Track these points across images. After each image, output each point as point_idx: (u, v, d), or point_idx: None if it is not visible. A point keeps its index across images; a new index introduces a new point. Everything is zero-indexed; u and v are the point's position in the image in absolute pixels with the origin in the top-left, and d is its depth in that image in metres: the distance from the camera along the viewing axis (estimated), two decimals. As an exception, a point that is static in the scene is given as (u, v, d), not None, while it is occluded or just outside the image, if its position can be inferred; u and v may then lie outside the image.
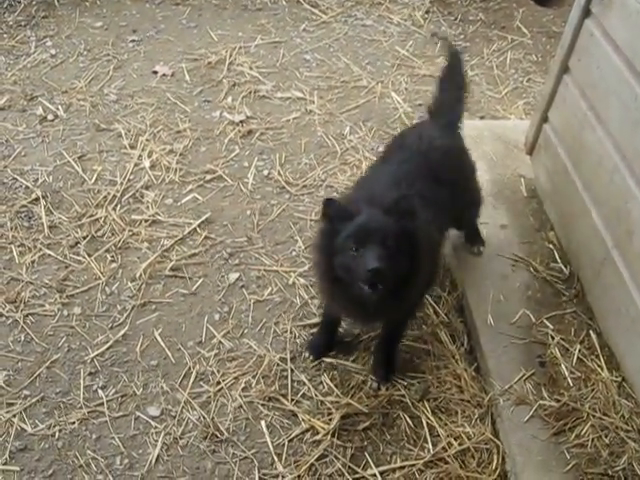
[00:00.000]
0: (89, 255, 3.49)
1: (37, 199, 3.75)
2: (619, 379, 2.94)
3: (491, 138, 4.08)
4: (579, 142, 3.24)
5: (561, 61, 3.35)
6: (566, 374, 2.96)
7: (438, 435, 2.85)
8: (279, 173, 3.96)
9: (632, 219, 2.81)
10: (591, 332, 3.11)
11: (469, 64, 4.89)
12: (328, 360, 3.08)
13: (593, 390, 2.91)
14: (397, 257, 2.43)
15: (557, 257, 3.42)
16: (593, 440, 2.74)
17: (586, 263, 3.22)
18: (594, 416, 2.81)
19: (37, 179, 3.87)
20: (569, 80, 3.34)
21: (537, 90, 4.66)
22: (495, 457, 2.78)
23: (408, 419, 2.90)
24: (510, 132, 4.12)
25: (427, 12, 5.43)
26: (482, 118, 4.42)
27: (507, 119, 4.43)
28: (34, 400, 2.93)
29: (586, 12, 3.15)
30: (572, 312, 3.21)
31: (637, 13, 2.75)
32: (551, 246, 3.48)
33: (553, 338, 3.09)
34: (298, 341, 3.15)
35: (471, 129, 4.11)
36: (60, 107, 4.37)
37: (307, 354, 3.10)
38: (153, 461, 2.76)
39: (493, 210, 3.63)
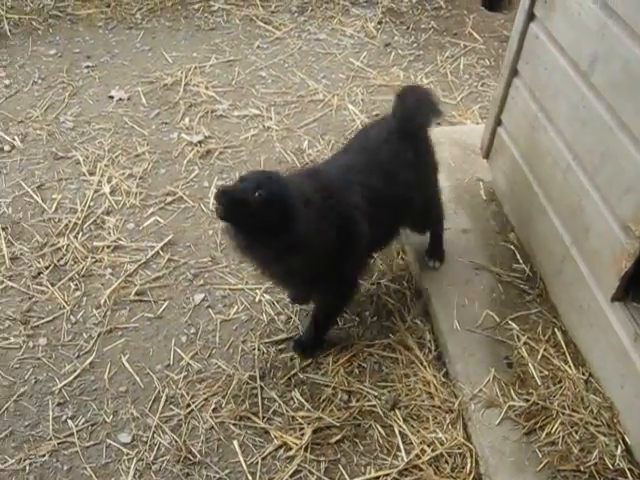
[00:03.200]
0: (52, 285, 3.46)
1: (-3, 231, 3.72)
2: (586, 375, 2.96)
3: (448, 144, 4.12)
4: (532, 143, 3.28)
5: (510, 65, 3.40)
6: (534, 373, 2.98)
7: (411, 443, 2.86)
8: (240, 191, 3.95)
9: (587, 215, 2.86)
10: (556, 330, 3.15)
11: (423, 72, 4.95)
12: (298, 376, 3.09)
13: (561, 387, 2.93)
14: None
15: (519, 258, 3.46)
16: (564, 437, 2.76)
17: (547, 262, 3.27)
18: (563, 413, 2.84)
19: (-4, 211, 3.85)
20: (519, 83, 3.39)
21: (491, 94, 4.72)
22: (469, 461, 2.78)
23: (380, 429, 2.90)
24: (466, 137, 4.17)
25: (379, 23, 5.48)
26: (438, 124, 4.45)
27: (463, 124, 4.48)
28: (3, 435, 2.88)
29: (531, 16, 3.20)
30: (537, 311, 3.24)
31: (578, 15, 2.81)
32: (512, 247, 3.52)
33: (519, 338, 3.11)
34: (266, 358, 3.15)
35: (428, 136, 4.16)
36: (16, 137, 4.33)
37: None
38: (126, 489, 2.74)
39: (454, 215, 3.66)
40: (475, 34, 5.40)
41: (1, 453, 2.83)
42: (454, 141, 4.14)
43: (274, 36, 5.30)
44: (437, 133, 4.18)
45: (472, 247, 3.52)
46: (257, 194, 2.49)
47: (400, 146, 3.02)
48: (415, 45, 5.27)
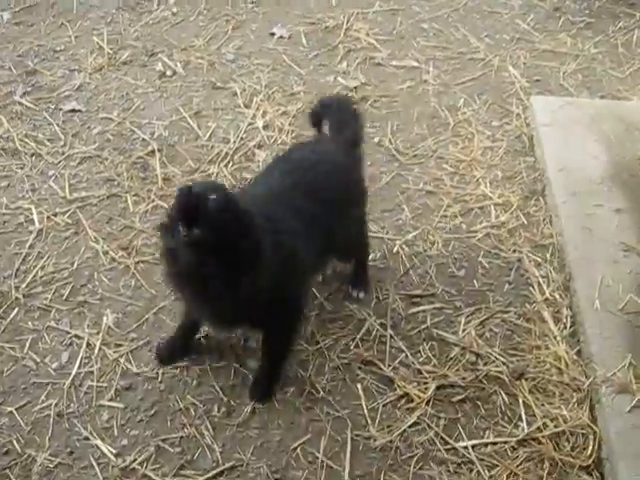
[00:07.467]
0: (199, 209, 3.57)
1: (153, 152, 3.86)
2: None
3: (610, 118, 3.95)
4: None
5: (695, 41, 3.21)
6: (674, 366, 2.87)
7: (533, 415, 2.81)
8: (390, 141, 3.94)
9: None
10: None
11: (592, 41, 4.73)
12: (428, 330, 3.09)
13: (703, 383, 2.81)
14: (217, 232, 2.27)
15: (674, 244, 3.31)
16: (699, 435, 2.66)
17: None
18: (701, 410, 2.72)
19: (154, 132, 3.99)
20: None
21: (663, 71, 4.47)
22: (591, 443, 2.71)
23: (504, 396, 2.87)
24: (631, 113, 3.98)
25: (551, -15, 5.27)
26: (602, 97, 4.27)
27: (629, 100, 4.27)
28: (140, 343, 3.04)
29: None
30: (685, 302, 3.11)
31: None
32: (668, 233, 3.36)
33: (662, 328, 3.00)
34: (399, 309, 3.16)
35: (589, 108, 4.02)
36: (179, 64, 4.47)
37: (155, 358, 2.99)
38: (249, 412, 2.82)
39: (608, 193, 3.53)
40: (654, 6, 5.10)
41: (137, 359, 2.99)
42: (617, 116, 3.96)
43: (440, -11, 5.20)
44: (599, 106, 4.04)
45: (624, 227, 3.38)
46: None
47: (329, 167, 2.84)
48: (587, 12, 5.02)
